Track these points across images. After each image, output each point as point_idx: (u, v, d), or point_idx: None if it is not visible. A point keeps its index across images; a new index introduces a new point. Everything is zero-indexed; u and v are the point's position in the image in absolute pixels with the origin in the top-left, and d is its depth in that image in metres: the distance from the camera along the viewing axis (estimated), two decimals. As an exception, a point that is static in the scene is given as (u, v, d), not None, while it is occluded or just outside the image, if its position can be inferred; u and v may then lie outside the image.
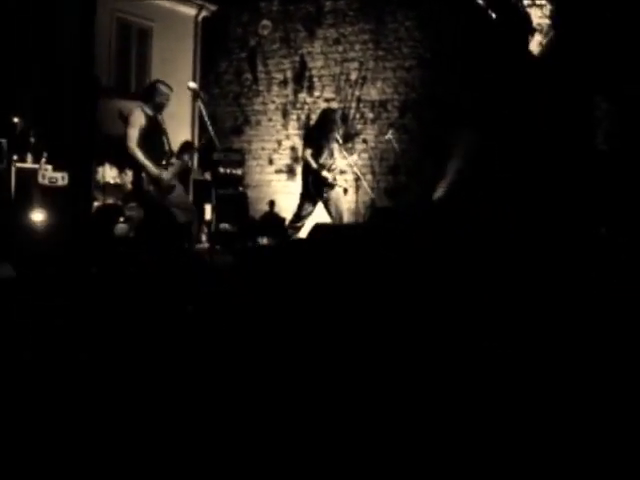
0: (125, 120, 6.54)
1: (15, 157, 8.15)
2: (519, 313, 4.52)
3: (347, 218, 9.40)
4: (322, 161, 8.72)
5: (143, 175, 6.57)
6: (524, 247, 5.60)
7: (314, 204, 8.83)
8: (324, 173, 8.64)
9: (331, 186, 8.74)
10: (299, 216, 8.84)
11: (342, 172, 8.97)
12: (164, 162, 6.71)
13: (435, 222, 7.41)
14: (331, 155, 8.86)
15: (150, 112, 6.72)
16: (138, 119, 6.59)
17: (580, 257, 5.54)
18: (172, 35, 13.99)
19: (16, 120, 8.33)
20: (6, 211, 7.60)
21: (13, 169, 8.09)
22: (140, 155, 6.51)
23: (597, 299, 4.64)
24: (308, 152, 8.76)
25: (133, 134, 6.51)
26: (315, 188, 8.71)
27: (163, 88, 6.82)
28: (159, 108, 6.82)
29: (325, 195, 8.75)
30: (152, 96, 6.79)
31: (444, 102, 11.70)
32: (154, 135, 6.71)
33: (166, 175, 6.65)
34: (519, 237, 6.04)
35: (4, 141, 8.05)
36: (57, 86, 8.56)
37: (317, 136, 8.86)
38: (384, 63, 13.03)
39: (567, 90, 9.68)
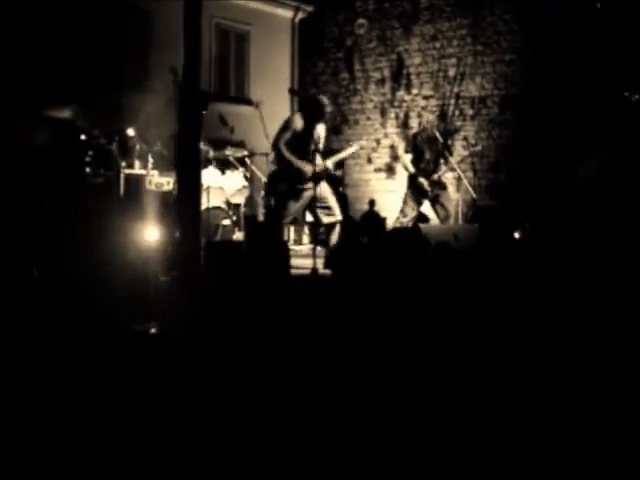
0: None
1: (123, 164, 8.37)
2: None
3: (454, 218, 9.21)
4: (423, 166, 8.59)
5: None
6: None
7: (419, 205, 8.70)
8: (421, 179, 8.51)
9: (437, 187, 8.57)
10: (404, 216, 8.71)
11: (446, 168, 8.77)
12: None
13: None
14: (435, 161, 8.69)
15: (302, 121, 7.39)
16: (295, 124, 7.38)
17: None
18: (269, 38, 14.15)
19: (123, 128, 8.57)
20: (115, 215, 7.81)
21: (122, 175, 8.31)
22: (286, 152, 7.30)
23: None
24: (407, 158, 8.66)
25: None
26: (418, 191, 8.60)
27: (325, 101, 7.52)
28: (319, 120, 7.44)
29: (431, 195, 8.61)
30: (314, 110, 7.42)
31: (546, 96, 11.42)
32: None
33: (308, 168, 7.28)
34: None
35: (114, 148, 8.29)
36: (161, 96, 8.80)
37: (417, 142, 8.73)
38: (483, 58, 12.81)
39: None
